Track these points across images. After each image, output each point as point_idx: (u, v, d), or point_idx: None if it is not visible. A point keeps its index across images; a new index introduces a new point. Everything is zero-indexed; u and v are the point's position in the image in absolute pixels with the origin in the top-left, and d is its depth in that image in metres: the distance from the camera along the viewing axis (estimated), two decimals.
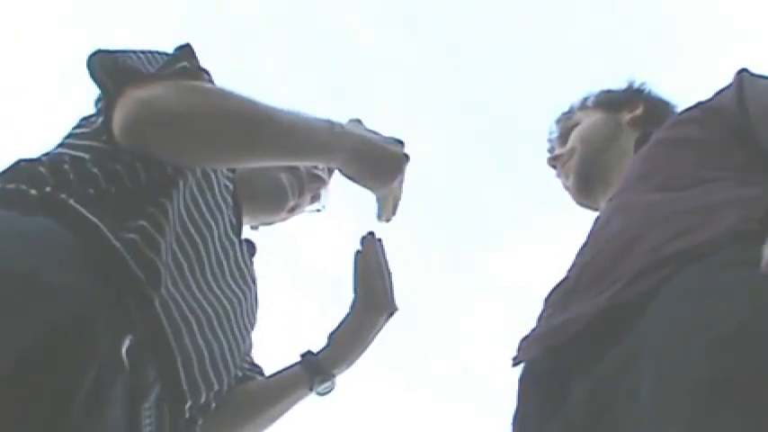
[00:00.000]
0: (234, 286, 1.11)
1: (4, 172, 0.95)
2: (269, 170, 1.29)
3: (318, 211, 1.43)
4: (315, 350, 1.30)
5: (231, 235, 1.13)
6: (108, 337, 0.81)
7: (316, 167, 1.36)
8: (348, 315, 1.31)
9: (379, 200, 1.20)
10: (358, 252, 1.32)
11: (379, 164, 1.14)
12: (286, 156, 1.10)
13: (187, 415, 0.97)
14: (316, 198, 1.40)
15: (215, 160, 1.06)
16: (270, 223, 1.39)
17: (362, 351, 1.31)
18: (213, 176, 1.11)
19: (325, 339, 1.31)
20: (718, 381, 0.70)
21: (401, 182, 1.19)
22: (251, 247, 1.27)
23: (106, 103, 0.99)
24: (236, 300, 1.11)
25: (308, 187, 1.35)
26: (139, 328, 0.88)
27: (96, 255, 0.85)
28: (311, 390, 1.27)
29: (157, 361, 0.91)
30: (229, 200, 1.15)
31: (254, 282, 1.21)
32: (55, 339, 0.75)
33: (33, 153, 1.01)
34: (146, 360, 0.89)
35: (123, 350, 0.84)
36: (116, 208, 0.92)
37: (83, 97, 1.12)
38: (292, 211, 1.36)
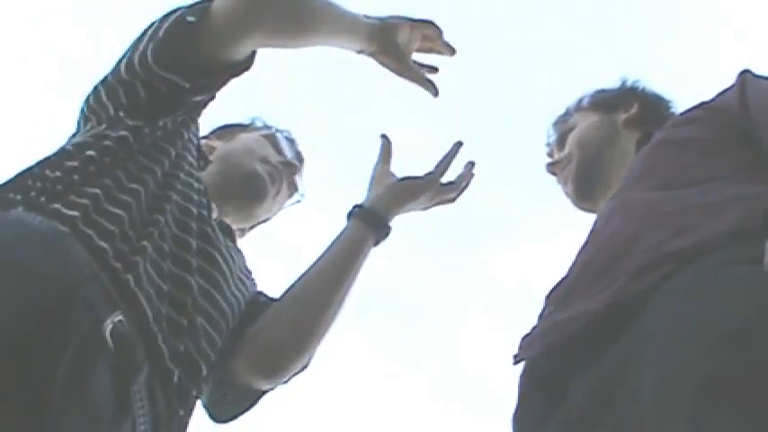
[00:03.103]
0: (219, 260, 1.13)
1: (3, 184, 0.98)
2: (242, 165, 1.32)
3: (298, 201, 1.44)
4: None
5: (204, 213, 1.14)
6: (87, 318, 0.83)
7: (285, 157, 1.39)
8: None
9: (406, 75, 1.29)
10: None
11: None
12: (342, 30, 1.20)
13: (176, 381, 0.98)
14: (293, 187, 1.42)
15: (307, 32, 1.15)
16: (257, 223, 1.39)
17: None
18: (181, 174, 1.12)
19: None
20: (721, 381, 0.70)
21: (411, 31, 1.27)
22: (227, 228, 1.28)
23: (200, 9, 1.07)
24: (221, 273, 1.12)
25: (285, 173, 1.38)
26: (121, 308, 0.89)
27: (76, 243, 0.88)
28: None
29: (143, 340, 0.92)
30: (196, 186, 1.15)
31: (237, 255, 1.22)
32: (30, 323, 0.76)
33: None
34: (133, 341, 0.89)
35: (107, 332, 0.85)
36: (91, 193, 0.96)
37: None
38: (274, 200, 1.37)
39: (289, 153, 1.42)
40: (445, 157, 1.40)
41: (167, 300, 0.98)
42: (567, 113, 1.49)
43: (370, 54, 1.27)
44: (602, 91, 1.48)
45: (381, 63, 1.28)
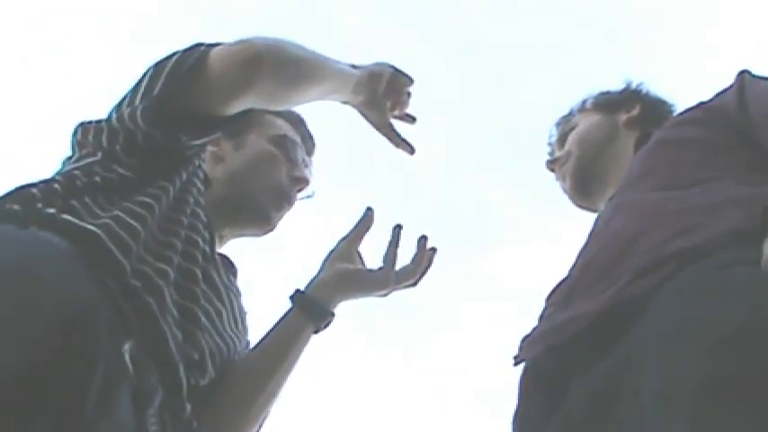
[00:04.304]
0: (215, 300, 1.12)
1: (3, 196, 0.96)
2: (252, 197, 1.27)
3: (309, 197, 1.40)
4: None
5: (207, 251, 1.12)
6: (109, 340, 0.82)
7: (297, 170, 1.35)
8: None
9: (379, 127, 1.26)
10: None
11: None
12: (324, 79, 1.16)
13: (187, 415, 0.97)
14: (302, 189, 1.37)
15: (301, 87, 1.13)
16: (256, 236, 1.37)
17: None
18: (188, 197, 1.10)
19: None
20: (720, 381, 0.71)
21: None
22: (230, 265, 1.27)
23: (195, 60, 1.04)
24: (216, 311, 1.11)
25: (293, 192, 1.33)
26: (139, 333, 0.88)
27: (94, 262, 0.87)
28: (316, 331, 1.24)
29: (159, 366, 0.91)
30: (202, 218, 1.13)
31: (236, 296, 1.21)
32: (63, 339, 0.76)
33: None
34: (147, 365, 0.89)
35: (126, 355, 0.85)
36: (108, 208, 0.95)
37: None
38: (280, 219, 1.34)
39: (299, 153, 1.37)
40: (389, 245, 1.34)
41: (180, 330, 0.97)
42: (570, 114, 1.50)
43: (355, 105, 1.25)
44: (606, 92, 1.49)
45: (363, 114, 1.26)
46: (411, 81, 1.28)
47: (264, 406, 1.19)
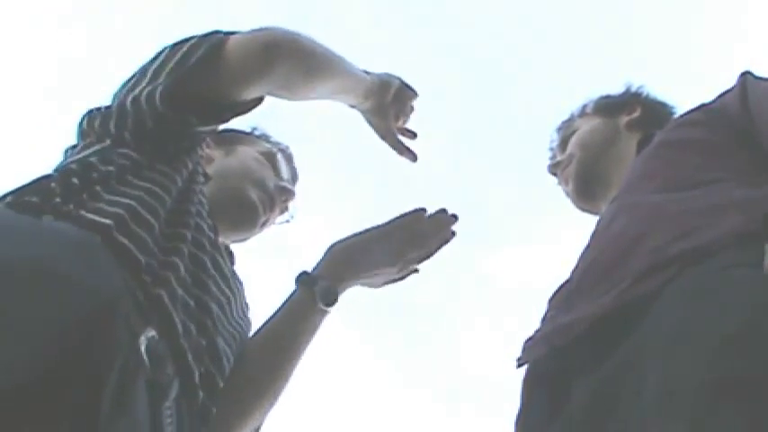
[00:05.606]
0: (223, 286, 1.12)
1: (21, 187, 0.96)
2: (238, 189, 1.28)
3: (288, 221, 1.42)
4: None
5: (213, 237, 1.13)
6: (126, 332, 0.82)
7: (283, 180, 1.37)
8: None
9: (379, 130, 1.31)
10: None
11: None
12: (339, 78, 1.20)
13: (201, 402, 0.98)
14: (284, 210, 1.39)
15: (315, 80, 1.16)
16: (242, 240, 1.36)
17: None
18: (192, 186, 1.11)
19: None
20: (721, 382, 0.71)
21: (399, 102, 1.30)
22: (230, 254, 1.28)
23: (213, 44, 1.07)
24: (226, 299, 1.12)
25: (278, 200, 1.34)
26: (154, 324, 0.89)
27: (109, 253, 0.87)
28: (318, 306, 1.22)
29: (174, 358, 0.92)
30: (206, 208, 1.14)
31: (240, 284, 1.22)
32: (80, 335, 0.76)
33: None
34: (163, 357, 0.89)
35: (142, 347, 0.85)
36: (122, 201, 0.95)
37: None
38: (263, 225, 1.34)
39: (286, 174, 1.39)
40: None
41: (193, 320, 0.98)
42: (571, 118, 1.50)
43: (362, 110, 1.30)
44: (606, 96, 1.49)
45: (369, 121, 1.32)
46: (416, 95, 1.33)
47: (278, 387, 1.18)
